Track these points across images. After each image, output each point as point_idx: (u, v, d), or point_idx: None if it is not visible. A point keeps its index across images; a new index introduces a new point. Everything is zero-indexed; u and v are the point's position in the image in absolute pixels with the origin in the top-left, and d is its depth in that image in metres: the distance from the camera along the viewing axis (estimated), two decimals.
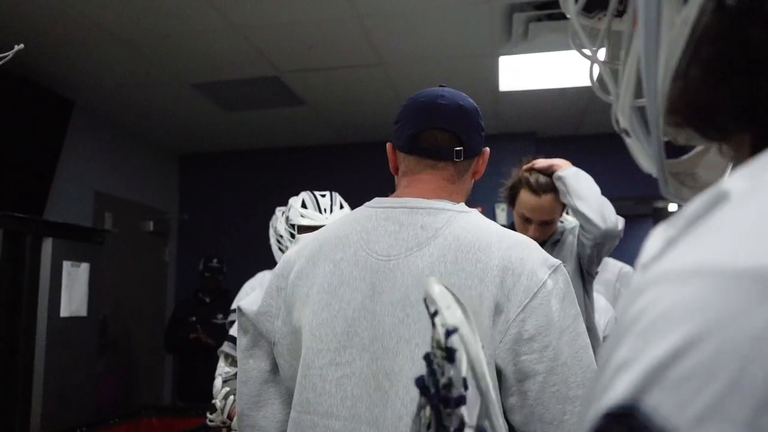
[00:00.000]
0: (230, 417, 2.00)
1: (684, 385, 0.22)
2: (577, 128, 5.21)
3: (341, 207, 2.18)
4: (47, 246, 3.25)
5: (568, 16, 0.44)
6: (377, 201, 1.14)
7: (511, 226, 2.26)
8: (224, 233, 5.64)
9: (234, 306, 3.05)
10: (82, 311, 3.47)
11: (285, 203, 3.27)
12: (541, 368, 0.96)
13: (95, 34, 3.39)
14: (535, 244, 1.08)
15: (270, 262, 3.16)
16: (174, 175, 5.85)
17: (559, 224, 2.25)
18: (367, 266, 1.04)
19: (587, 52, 0.42)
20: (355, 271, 1.04)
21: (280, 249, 3.02)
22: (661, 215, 7.25)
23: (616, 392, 0.24)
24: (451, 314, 0.53)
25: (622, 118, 0.39)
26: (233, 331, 2.22)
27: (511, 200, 2.17)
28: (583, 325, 1.01)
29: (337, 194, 2.22)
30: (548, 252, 2.12)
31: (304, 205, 2.14)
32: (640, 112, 0.38)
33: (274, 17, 3.22)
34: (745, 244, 0.24)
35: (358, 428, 0.97)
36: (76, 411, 3.41)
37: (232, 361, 2.16)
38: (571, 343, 0.97)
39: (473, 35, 3.48)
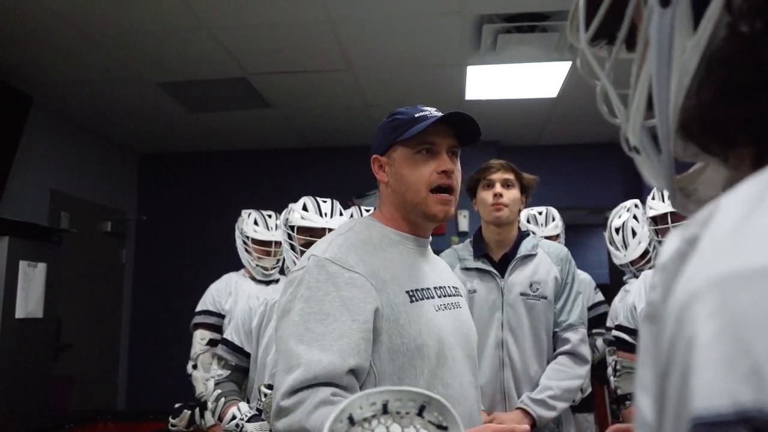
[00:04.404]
0: (221, 419, 1.99)
1: None
2: (538, 138, 5.34)
3: (341, 214, 2.22)
4: (3, 245, 3.15)
5: (577, 45, 0.47)
6: None
7: (478, 231, 2.31)
8: (184, 235, 5.55)
9: (199, 308, 3.00)
10: (38, 312, 3.37)
11: (248, 206, 3.26)
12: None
13: (57, 27, 3.30)
14: (339, 241, 1.27)
15: (235, 265, 3.14)
16: (133, 175, 5.73)
17: (531, 235, 2.29)
18: None
19: (598, 77, 0.45)
20: None
21: (247, 251, 3.00)
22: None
23: (722, 396, 0.26)
24: None
25: (633, 137, 0.43)
26: (228, 334, 2.20)
27: (472, 191, 2.26)
28: (298, 305, 1.19)
29: (337, 202, 2.28)
30: (519, 265, 2.18)
31: (305, 208, 2.17)
32: (650, 130, 0.42)
33: (247, 18, 3.21)
34: None
35: None
36: (29, 415, 3.31)
37: (225, 363, 2.14)
38: (280, 318, 1.21)
39: (443, 44, 3.53)
